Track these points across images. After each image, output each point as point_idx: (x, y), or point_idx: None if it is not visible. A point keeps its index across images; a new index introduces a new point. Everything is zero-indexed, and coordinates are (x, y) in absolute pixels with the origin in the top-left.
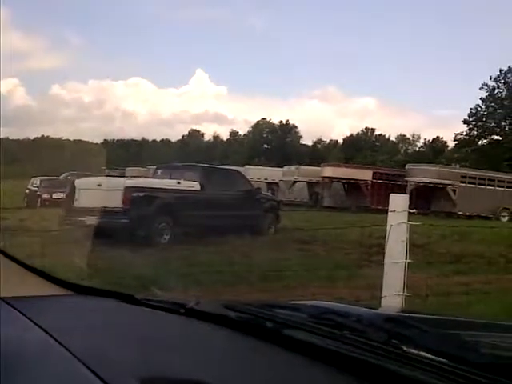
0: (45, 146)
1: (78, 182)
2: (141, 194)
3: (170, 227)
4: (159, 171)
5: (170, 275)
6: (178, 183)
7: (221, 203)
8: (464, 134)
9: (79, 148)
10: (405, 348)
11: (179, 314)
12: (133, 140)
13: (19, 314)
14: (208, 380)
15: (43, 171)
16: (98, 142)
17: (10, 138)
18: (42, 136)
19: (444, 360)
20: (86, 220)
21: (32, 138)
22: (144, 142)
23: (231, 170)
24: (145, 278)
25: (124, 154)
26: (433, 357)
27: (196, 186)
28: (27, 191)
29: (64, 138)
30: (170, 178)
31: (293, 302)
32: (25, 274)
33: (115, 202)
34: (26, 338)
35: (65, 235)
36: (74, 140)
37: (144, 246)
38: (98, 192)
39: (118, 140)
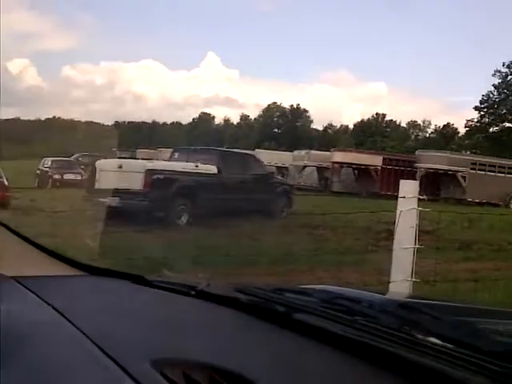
0: (56, 126)
1: (98, 164)
2: (161, 177)
3: (189, 209)
4: (176, 154)
5: (187, 256)
6: (196, 166)
7: (237, 187)
8: (475, 120)
9: (90, 129)
10: (415, 334)
11: (190, 296)
12: (144, 122)
13: (31, 293)
14: (217, 362)
15: (54, 152)
16: (110, 124)
17: (22, 118)
18: (54, 117)
19: (454, 347)
20: (106, 201)
21: (43, 118)
22: (155, 124)
23: (247, 153)
24: (166, 260)
25: (135, 136)
26: (443, 343)
27: (213, 169)
28: (38, 172)
29: (75, 120)
30: (187, 161)
31: (302, 286)
32: (37, 254)
33: (135, 184)
34: (37, 318)
35: (78, 215)
36: (86, 121)
37: (163, 227)
38: (119, 174)
39: (129, 122)
